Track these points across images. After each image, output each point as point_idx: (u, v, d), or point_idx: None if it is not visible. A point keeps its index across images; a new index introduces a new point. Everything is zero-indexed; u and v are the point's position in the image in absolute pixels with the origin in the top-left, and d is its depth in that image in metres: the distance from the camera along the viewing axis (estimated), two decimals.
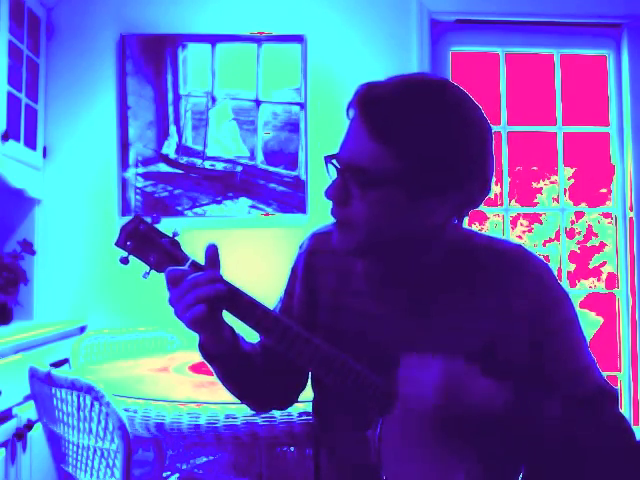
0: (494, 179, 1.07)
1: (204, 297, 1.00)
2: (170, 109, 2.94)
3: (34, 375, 1.60)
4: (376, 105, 1.00)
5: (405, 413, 1.02)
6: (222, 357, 1.11)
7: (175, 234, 1.07)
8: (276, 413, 1.45)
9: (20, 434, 2.09)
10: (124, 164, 2.92)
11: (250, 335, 1.14)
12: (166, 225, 1.09)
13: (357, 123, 1.01)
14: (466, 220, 1.18)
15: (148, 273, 1.06)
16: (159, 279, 1.07)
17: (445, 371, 1.00)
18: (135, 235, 1.06)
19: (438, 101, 1.01)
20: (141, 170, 2.92)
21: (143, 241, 1.06)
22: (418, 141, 0.98)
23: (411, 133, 0.98)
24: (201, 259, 1.06)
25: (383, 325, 1.11)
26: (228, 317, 1.08)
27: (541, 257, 1.13)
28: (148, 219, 1.08)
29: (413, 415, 1.02)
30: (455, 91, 1.03)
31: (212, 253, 1.05)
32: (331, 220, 1.24)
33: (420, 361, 1.02)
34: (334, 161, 1.05)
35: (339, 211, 1.05)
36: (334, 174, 1.06)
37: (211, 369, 1.15)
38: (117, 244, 1.07)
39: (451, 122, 1.00)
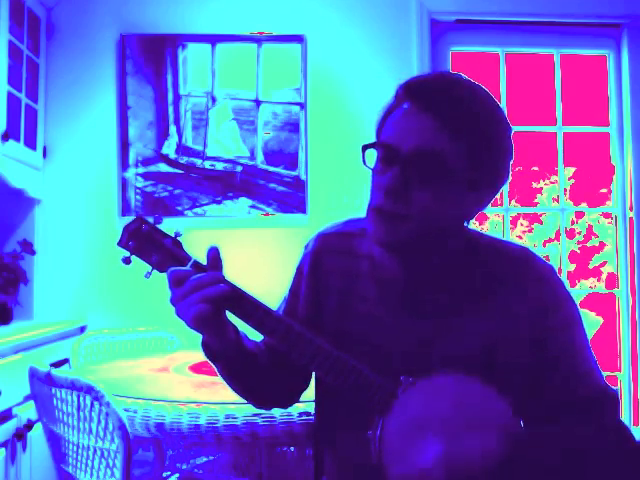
0: None
1: (206, 297, 1.01)
2: (170, 109, 2.94)
3: (34, 375, 1.60)
4: (444, 99, 1.02)
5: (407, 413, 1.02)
6: (225, 356, 1.11)
7: (177, 234, 1.07)
8: (276, 413, 1.45)
9: (20, 434, 2.09)
10: (124, 164, 2.92)
11: (254, 333, 1.14)
12: (166, 225, 1.09)
13: (422, 116, 1.02)
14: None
15: (150, 273, 1.07)
16: (159, 279, 1.07)
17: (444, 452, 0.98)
18: (138, 235, 1.06)
19: (492, 104, 1.06)
20: (141, 170, 2.92)
21: (146, 241, 1.06)
22: (484, 137, 1.03)
23: (479, 128, 1.03)
24: (203, 259, 1.06)
25: (387, 327, 1.11)
26: (232, 315, 1.08)
27: (546, 260, 1.14)
28: (150, 219, 1.08)
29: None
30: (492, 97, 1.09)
31: (214, 255, 1.05)
32: (332, 219, 1.25)
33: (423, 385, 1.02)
34: (385, 151, 1.05)
35: (396, 204, 1.02)
36: (371, 163, 1.06)
37: (214, 367, 1.15)
38: (119, 244, 1.07)
39: (503, 125, 1.07)
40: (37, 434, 2.12)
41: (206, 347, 1.11)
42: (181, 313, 1.02)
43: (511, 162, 1.09)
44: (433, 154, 1.01)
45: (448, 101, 1.02)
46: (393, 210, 1.03)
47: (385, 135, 1.06)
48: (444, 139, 1.00)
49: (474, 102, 1.04)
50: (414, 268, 1.11)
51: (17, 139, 2.57)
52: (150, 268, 1.06)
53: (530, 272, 1.10)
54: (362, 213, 1.19)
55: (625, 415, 3.08)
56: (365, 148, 1.06)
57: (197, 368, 1.92)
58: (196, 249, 1.09)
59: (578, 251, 5.15)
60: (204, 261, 1.06)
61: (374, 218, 1.05)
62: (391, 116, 1.06)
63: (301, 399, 1.29)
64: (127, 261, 1.07)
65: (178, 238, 1.07)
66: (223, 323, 1.07)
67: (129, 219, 1.09)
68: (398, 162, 1.02)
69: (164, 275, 1.06)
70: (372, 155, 1.08)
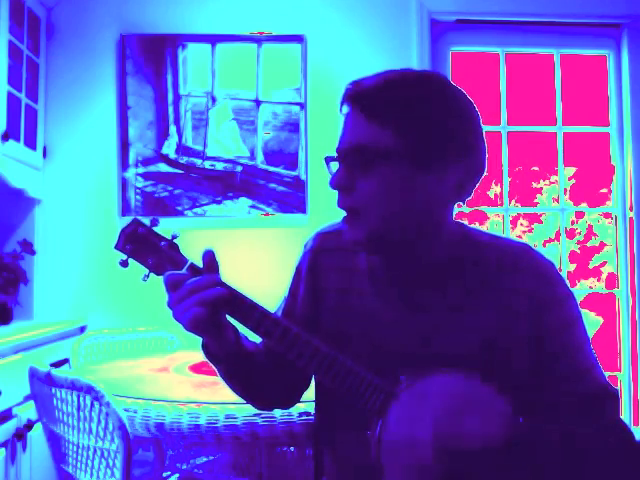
0: (491, 177, 1.09)
1: (203, 301, 1.01)
2: (170, 109, 2.94)
3: (34, 375, 1.60)
4: (367, 92, 1.04)
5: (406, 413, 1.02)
6: (225, 358, 1.11)
7: (174, 236, 1.08)
8: (276, 413, 1.45)
9: (20, 434, 2.09)
10: (124, 164, 2.92)
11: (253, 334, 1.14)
12: (166, 225, 1.09)
13: (351, 115, 1.05)
14: (466, 220, 1.18)
15: (147, 276, 1.07)
16: (159, 279, 1.07)
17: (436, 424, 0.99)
18: (134, 238, 1.07)
19: (425, 81, 1.06)
20: (141, 170, 2.92)
21: (142, 244, 1.06)
22: (413, 117, 1.02)
23: (405, 110, 1.02)
24: (200, 261, 1.06)
25: (386, 325, 1.11)
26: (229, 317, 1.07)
27: (547, 256, 1.13)
28: (147, 221, 1.08)
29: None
30: (439, 76, 1.09)
31: (209, 258, 1.06)
32: (332, 219, 1.25)
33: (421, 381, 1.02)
34: (335, 156, 1.08)
35: (346, 199, 1.05)
36: (335, 168, 1.08)
37: (214, 369, 1.15)
38: (116, 247, 1.07)
39: (441, 99, 1.05)
40: (37, 434, 2.12)
41: (206, 349, 1.11)
42: (178, 317, 1.03)
43: (476, 136, 1.07)
44: (363, 145, 1.03)
45: (375, 91, 1.03)
46: (345, 205, 1.06)
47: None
48: (373, 128, 1.02)
49: (403, 86, 1.04)
50: (402, 267, 1.11)
51: (17, 139, 2.57)
52: (147, 271, 1.07)
53: (530, 268, 1.10)
54: None
55: (625, 415, 3.08)
56: (328, 160, 1.10)
57: (197, 368, 1.92)
58: (196, 249, 1.09)
59: (578, 251, 5.15)
60: (200, 263, 1.06)
61: (343, 220, 1.08)
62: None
63: (301, 399, 1.29)
64: (124, 264, 1.07)
65: (174, 240, 1.07)
66: (221, 326, 1.07)
67: (129, 219, 1.09)
68: (340, 161, 1.06)
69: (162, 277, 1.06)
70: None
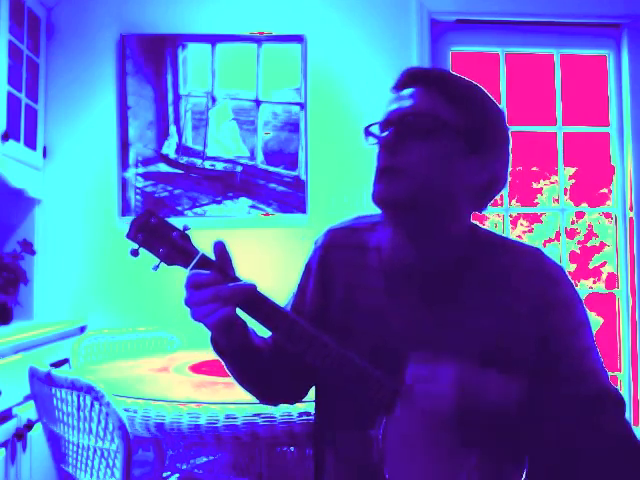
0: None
1: (228, 303, 1.02)
2: (170, 109, 2.94)
3: (34, 375, 1.60)
4: (437, 74, 1.13)
5: (411, 411, 1.02)
6: (233, 352, 1.12)
7: (185, 228, 1.08)
8: (276, 413, 1.45)
9: (20, 434, 2.09)
10: (124, 164, 2.92)
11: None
12: None
13: (419, 91, 1.10)
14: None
15: (158, 266, 1.07)
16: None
17: (460, 369, 1.01)
18: (146, 228, 1.07)
19: (484, 90, 1.15)
20: (141, 170, 2.92)
21: (154, 234, 1.07)
22: (476, 103, 1.11)
23: (470, 96, 1.11)
24: (211, 252, 1.07)
25: (395, 321, 1.12)
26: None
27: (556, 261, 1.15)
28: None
29: (421, 413, 1.01)
30: None
31: (220, 249, 1.06)
32: (332, 219, 1.25)
33: (432, 359, 1.02)
34: (381, 125, 1.11)
35: (392, 157, 1.07)
36: (372, 141, 1.11)
37: (222, 362, 1.16)
38: (128, 236, 1.08)
39: (494, 103, 1.15)
40: (37, 434, 2.12)
41: (215, 343, 1.12)
42: (198, 317, 1.03)
43: (509, 145, 1.15)
44: (427, 112, 1.07)
45: (440, 76, 1.12)
46: (390, 164, 1.07)
47: (384, 115, 1.12)
48: (438, 102, 1.08)
49: (465, 80, 1.14)
50: (424, 253, 1.11)
51: (17, 139, 2.57)
52: (158, 261, 1.07)
53: (541, 271, 1.11)
54: (362, 213, 1.20)
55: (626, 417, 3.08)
56: (367, 129, 1.12)
57: (197, 368, 1.91)
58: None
59: (578, 251, 5.15)
60: (211, 254, 1.06)
61: (374, 178, 1.09)
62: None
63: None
64: (135, 253, 1.07)
65: (186, 232, 1.08)
66: (233, 323, 1.08)
67: (129, 219, 1.09)
68: (393, 123, 1.09)
69: (165, 275, 1.06)
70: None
